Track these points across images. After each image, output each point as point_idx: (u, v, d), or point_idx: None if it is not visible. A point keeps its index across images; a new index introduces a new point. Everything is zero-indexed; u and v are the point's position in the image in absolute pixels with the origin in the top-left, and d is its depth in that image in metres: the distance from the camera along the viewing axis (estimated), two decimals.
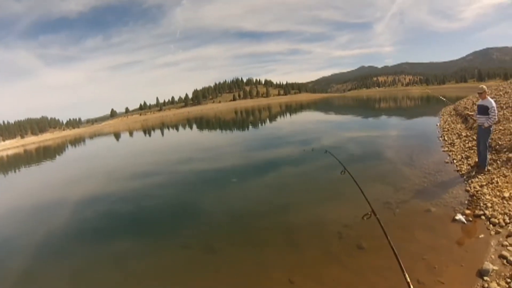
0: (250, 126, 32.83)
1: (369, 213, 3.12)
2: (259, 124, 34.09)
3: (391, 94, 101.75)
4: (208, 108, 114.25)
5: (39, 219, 9.80)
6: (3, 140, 69.77)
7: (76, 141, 52.21)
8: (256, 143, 19.31)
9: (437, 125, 16.76)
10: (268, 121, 37.81)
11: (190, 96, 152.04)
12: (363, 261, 4.72)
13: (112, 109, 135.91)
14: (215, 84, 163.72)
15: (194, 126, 43.40)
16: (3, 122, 76.24)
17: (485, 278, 3.80)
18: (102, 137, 50.33)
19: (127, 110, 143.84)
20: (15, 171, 25.65)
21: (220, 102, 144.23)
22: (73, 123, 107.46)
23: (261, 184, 10.02)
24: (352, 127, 22.79)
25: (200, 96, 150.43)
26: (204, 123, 49.20)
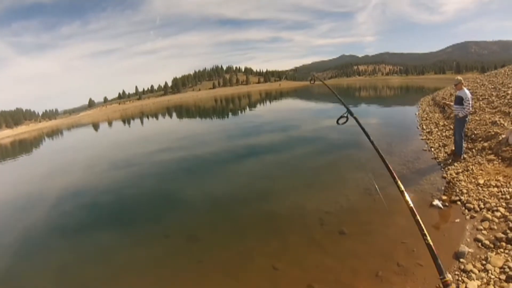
0: (230, 114, 32.66)
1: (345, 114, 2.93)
2: (239, 112, 33.94)
3: (371, 83, 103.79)
4: (187, 96, 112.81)
5: (18, 215, 9.31)
6: None
7: (53, 133, 49.88)
8: (236, 131, 19.24)
9: (415, 114, 17.29)
10: (248, 108, 37.70)
11: (169, 84, 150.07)
12: (345, 246, 4.85)
13: (90, 99, 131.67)
14: (195, 72, 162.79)
15: (174, 115, 42.60)
16: None
17: (461, 260, 4.00)
18: (80, 128, 48.41)
19: (105, 100, 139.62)
20: None
21: (200, 90, 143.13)
22: (50, 115, 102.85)
23: (243, 171, 10.01)
24: (332, 115, 22.69)
25: (180, 84, 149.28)
26: (184, 111, 48.35)
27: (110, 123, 46.81)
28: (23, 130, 71.74)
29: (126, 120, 47.52)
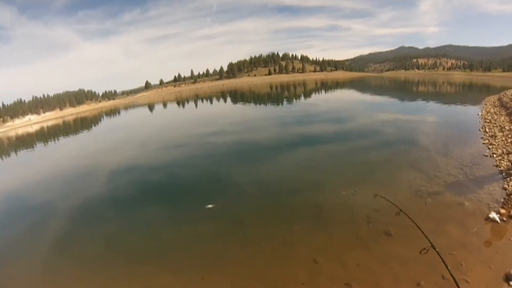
0: (285, 101, 32.31)
1: (426, 248, 3.01)
2: (294, 100, 33.51)
3: (430, 77, 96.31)
4: (242, 82, 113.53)
5: (76, 186, 10.45)
6: (44, 112, 74.05)
7: (111, 112, 53.67)
8: (289, 119, 19.12)
9: (478, 114, 15.89)
10: (303, 97, 37.10)
11: (225, 69, 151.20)
12: (389, 249, 4.76)
13: (147, 81, 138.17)
14: (251, 57, 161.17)
15: (228, 99, 43.12)
16: (44, 95, 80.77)
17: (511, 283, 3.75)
18: (136, 108, 51.51)
19: (161, 82, 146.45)
20: (55, 141, 26.87)
21: (255, 75, 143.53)
22: (109, 95, 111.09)
23: (293, 160, 10.05)
24: (388, 110, 21.96)
25: (235, 69, 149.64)
26: (238, 96, 48.77)
27: (165, 105, 48.87)
28: (85, 109, 78.28)
29: (181, 102, 49.17)
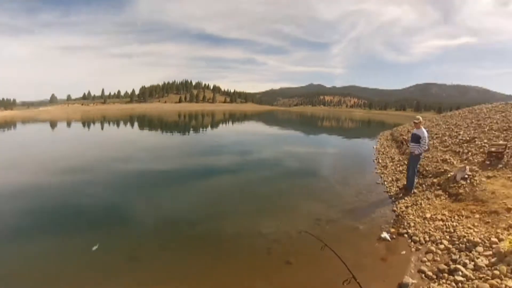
0: (192, 131, 32.53)
1: (348, 279, 3.20)
2: (201, 130, 34.07)
3: (335, 114, 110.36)
4: (153, 107, 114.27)
5: None
6: None
7: (6, 124, 45.52)
8: (194, 149, 19.12)
9: (373, 147, 18.44)
10: (210, 127, 38.02)
11: (137, 92, 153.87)
12: (290, 277, 4.89)
13: (53, 95, 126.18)
14: (164, 83, 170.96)
15: (136, 124, 41.52)
16: None
17: None
18: (36, 124, 44.88)
19: (68, 98, 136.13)
20: None
21: (166, 102, 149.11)
22: (6, 104, 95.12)
23: (196, 191, 9.86)
24: (293, 142, 24.06)
25: (147, 94, 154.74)
26: (146, 122, 47.46)
27: (69, 123, 44.05)
28: None
29: (87, 122, 45.19)
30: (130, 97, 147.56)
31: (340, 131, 40.20)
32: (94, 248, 5.79)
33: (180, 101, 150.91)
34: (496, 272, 4.09)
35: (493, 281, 3.93)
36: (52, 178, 11.37)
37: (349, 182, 10.64)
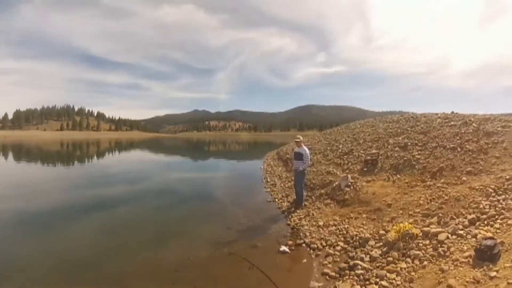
0: (77, 162, 29.12)
1: None
2: (87, 160, 30.94)
3: (221, 138, 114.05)
4: (30, 135, 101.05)
5: None
6: None
7: None
8: (80, 182, 16.99)
9: (261, 167, 19.44)
10: (96, 157, 34.85)
11: (10, 116, 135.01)
12: None
13: None
14: (43, 107, 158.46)
15: (11, 155, 34.70)
16: None
17: None
18: None
19: None
20: None
21: (45, 129, 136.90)
22: None
23: (86, 228, 8.67)
24: (182, 169, 23.97)
25: (23, 119, 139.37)
26: (23, 152, 40.07)
27: None
28: None
29: None
30: (2, 122, 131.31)
31: (228, 154, 41.56)
32: None
33: (61, 129, 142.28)
34: (390, 258, 4.77)
35: (389, 267, 4.57)
36: None
37: (241, 203, 10.91)
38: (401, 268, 4.43)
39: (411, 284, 4.05)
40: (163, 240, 7.71)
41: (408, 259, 4.59)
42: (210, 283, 5.32)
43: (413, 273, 4.28)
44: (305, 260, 5.83)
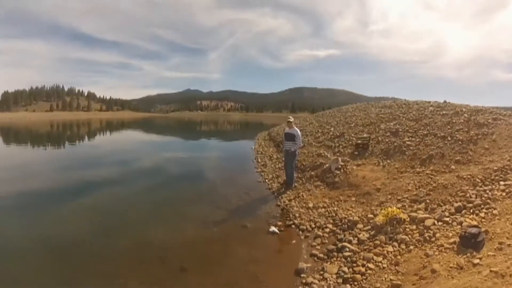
0: (67, 143, 28.56)
1: None
2: (78, 141, 30.43)
3: (213, 118, 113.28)
4: (19, 117, 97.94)
5: None
6: None
7: None
8: (70, 163, 16.75)
9: (252, 148, 19.45)
10: (87, 138, 34.28)
11: None
12: (187, 282, 4.77)
13: None
14: (31, 88, 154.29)
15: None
16: None
17: (302, 275, 4.69)
18: None
19: None
20: None
21: (34, 110, 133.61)
22: None
23: (75, 208, 8.61)
24: (173, 149, 23.78)
25: (11, 101, 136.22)
26: (12, 135, 39.06)
27: None
28: None
29: None
30: None
31: (219, 134, 41.46)
32: None
33: (51, 110, 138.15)
34: (377, 242, 4.89)
35: (376, 250, 4.70)
36: None
37: (232, 183, 10.97)
38: (387, 252, 4.54)
39: (396, 267, 4.16)
40: (152, 219, 7.72)
41: (395, 243, 4.70)
42: (198, 262, 5.40)
43: (399, 257, 4.40)
44: (294, 241, 5.93)
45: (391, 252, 4.53)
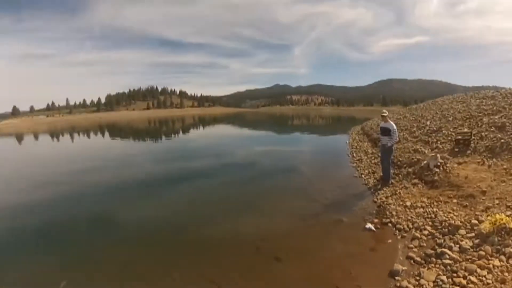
0: (164, 137, 31.75)
1: None
2: (173, 135, 33.39)
3: (304, 112, 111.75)
4: (121, 115, 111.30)
5: None
6: None
7: None
8: (169, 155, 18.68)
9: (346, 142, 18.84)
10: (181, 132, 37.29)
11: (103, 100, 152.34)
12: (281, 272, 4.86)
13: (14, 106, 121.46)
14: (129, 90, 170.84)
15: (107, 133, 39.94)
16: None
17: (397, 278, 4.39)
18: (1, 138, 42.13)
19: (32, 109, 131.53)
20: None
21: (133, 110, 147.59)
22: None
23: (176, 196, 9.60)
24: (266, 142, 24.19)
25: (114, 102, 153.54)
26: (116, 130, 45.74)
27: (36, 136, 41.78)
28: None
29: (55, 134, 42.99)
30: (97, 106, 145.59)
31: (312, 128, 40.84)
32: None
33: (148, 108, 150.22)
34: (482, 253, 4.27)
35: (480, 262, 4.10)
36: (31, 191, 10.76)
37: (327, 177, 10.82)
38: (493, 266, 3.95)
39: (502, 286, 3.62)
40: (249, 210, 7.96)
41: (503, 257, 4.07)
42: (293, 253, 5.41)
43: (506, 274, 3.79)
44: (390, 241, 5.60)
45: (498, 266, 3.93)
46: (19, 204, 9.20)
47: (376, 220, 6.54)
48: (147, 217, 7.94)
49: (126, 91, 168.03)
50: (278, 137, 29.25)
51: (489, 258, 4.16)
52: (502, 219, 4.57)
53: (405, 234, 5.71)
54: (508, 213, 5.01)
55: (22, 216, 8.18)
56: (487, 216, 5.14)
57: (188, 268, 5.16)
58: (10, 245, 6.51)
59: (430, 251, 4.82)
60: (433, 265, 4.48)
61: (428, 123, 13.48)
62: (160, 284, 4.76)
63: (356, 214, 7.08)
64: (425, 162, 8.86)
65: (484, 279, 3.83)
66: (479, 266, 4.04)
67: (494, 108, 11.03)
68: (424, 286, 4.05)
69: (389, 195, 7.95)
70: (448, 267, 4.30)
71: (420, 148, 10.57)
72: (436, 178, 7.80)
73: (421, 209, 6.47)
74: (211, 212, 8.00)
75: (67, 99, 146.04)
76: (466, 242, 4.67)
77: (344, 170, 11.68)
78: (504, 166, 7.03)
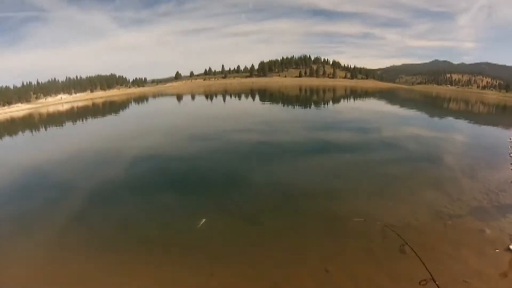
0: (313, 106, 32.18)
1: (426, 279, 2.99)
2: (322, 105, 33.33)
3: (463, 95, 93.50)
4: (272, 81, 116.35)
5: (96, 168, 10.83)
6: (75, 93, 79.72)
7: (140, 98, 54.96)
8: (315, 124, 19.17)
9: (510, 139, 15.48)
10: (331, 103, 36.75)
11: (256, 67, 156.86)
12: (403, 268, 4.71)
13: (177, 72, 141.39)
14: (282, 58, 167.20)
15: (257, 98, 43.39)
16: (76, 77, 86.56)
17: None
18: (165, 97, 52.36)
19: (191, 74, 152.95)
20: (83, 122, 27.61)
21: (285, 76, 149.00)
22: (139, 82, 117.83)
23: (314, 166, 10.03)
24: (415, 124, 21.54)
25: (266, 69, 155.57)
26: (267, 95, 48.65)
27: (193, 97, 49.04)
28: (114, 93, 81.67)
29: (209, 95, 49.33)
30: (250, 72, 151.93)
31: (469, 115, 34.14)
32: (202, 221, 6.36)
33: (300, 76, 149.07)
34: None
35: None
36: (185, 143, 13.02)
37: (477, 176, 9.35)
38: None
39: None
40: (381, 193, 7.74)
41: None
42: (419, 250, 4.98)
43: None
44: None
45: None
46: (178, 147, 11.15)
47: None
48: (284, 177, 8.56)
49: (279, 58, 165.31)
50: (429, 120, 25.37)
51: None
52: None
53: None
54: None
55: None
56: None
57: (310, 237, 5.51)
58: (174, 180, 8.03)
59: None
60: None
61: None
62: (280, 244, 5.23)
63: (503, 229, 6.08)
64: None
65: None
66: None
67: None
68: None
69: None
70: None
71: None
72: None
73: None
74: (344, 186, 8.17)
75: (222, 65, 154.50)
76: None
77: (501, 173, 9.71)
78: None
